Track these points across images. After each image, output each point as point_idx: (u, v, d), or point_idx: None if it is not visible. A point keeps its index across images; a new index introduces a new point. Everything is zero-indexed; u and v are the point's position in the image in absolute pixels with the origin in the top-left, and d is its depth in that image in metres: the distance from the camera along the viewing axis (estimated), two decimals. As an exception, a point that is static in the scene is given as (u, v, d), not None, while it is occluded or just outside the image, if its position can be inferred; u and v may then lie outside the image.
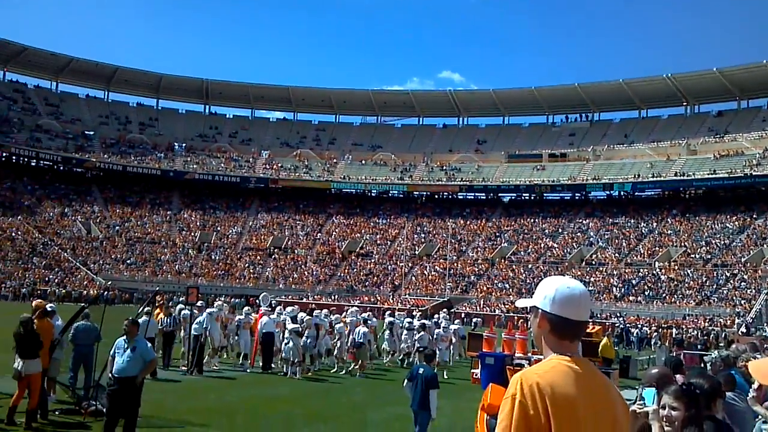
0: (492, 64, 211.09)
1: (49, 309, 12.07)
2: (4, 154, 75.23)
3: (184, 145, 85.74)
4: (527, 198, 78.51)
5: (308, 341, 18.18)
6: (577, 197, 76.13)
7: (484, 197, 79.77)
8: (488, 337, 20.12)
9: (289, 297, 56.64)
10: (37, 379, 10.07)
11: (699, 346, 25.32)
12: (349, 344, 19.69)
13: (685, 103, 78.81)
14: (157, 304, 19.21)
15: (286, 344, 17.56)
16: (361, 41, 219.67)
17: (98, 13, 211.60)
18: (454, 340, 22.32)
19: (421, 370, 9.44)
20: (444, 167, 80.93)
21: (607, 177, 72.04)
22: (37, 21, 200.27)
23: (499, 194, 79.22)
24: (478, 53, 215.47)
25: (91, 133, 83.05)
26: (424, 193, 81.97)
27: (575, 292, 2.52)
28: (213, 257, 71.61)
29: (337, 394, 15.53)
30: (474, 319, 24.68)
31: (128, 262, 67.82)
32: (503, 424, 2.35)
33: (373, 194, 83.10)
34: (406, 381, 9.58)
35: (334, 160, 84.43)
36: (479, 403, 5.50)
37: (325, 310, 21.71)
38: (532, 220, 74.94)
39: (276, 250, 73.18)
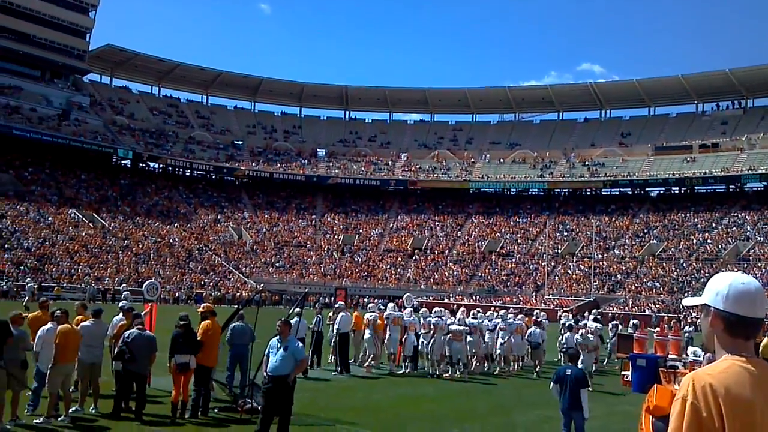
0: (635, 53, 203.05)
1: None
2: (161, 166, 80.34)
3: (326, 150, 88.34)
4: (677, 192, 74.85)
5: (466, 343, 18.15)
6: (731, 189, 71.76)
7: (630, 192, 76.79)
8: (639, 338, 19.34)
9: (431, 298, 56.96)
10: (191, 375, 10.82)
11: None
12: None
13: None
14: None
15: (447, 345, 17.58)
16: (495, 37, 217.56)
17: (243, 27, 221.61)
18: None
19: (568, 371, 9.19)
20: (586, 162, 78.66)
21: (764, 167, 67.35)
22: (186, 39, 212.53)
23: (647, 189, 76.06)
24: (618, 42, 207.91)
25: (240, 142, 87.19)
26: (566, 189, 80.00)
27: (750, 288, 2.37)
28: (356, 259, 73.13)
29: (482, 395, 15.41)
30: (632, 320, 23.48)
31: (277, 265, 70.52)
32: (674, 426, 2.25)
33: (512, 193, 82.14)
34: (552, 384, 9.37)
35: (472, 160, 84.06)
36: (636, 406, 5.28)
37: (496, 312, 21.31)
38: (682, 215, 71.33)
39: (416, 251, 73.76)
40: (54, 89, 75.54)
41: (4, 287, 44.31)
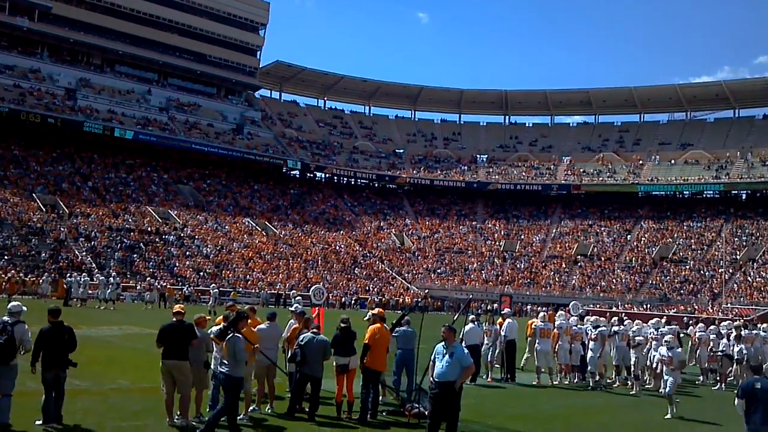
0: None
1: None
2: (327, 175, 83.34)
3: (486, 156, 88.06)
4: None
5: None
6: None
7: (817, 193, 70.55)
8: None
9: (598, 306, 55.13)
10: (353, 375, 11.19)
11: None
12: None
13: None
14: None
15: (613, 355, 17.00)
16: (662, 32, 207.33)
17: (402, 37, 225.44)
18: None
19: (758, 384, 8.57)
20: (766, 162, 73.20)
21: None
22: (348, 51, 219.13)
23: (835, 189, 69.63)
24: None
25: (401, 150, 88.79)
26: (744, 191, 74.76)
27: None
28: (518, 266, 72.18)
29: (654, 408, 14.64)
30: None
31: (438, 271, 70.99)
32: None
33: (685, 195, 77.77)
34: (738, 399, 8.78)
35: (640, 162, 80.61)
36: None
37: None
38: None
39: (581, 258, 71.68)
40: (228, 105, 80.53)
41: (186, 292, 47.51)
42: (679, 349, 14.51)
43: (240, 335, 9.59)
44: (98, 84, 70.42)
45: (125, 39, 72.66)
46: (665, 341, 14.43)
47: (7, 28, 66.81)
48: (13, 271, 42.01)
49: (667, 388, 13.46)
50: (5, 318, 9.28)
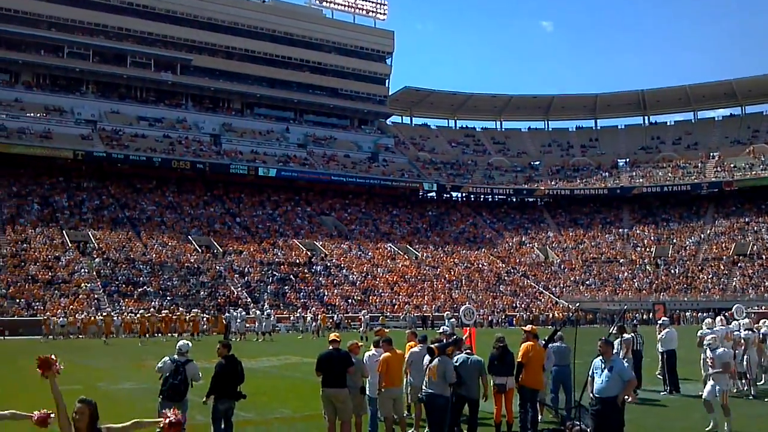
0: None
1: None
2: (464, 194, 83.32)
3: (627, 160, 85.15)
4: None
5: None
6: None
7: None
8: None
9: (763, 308, 51.69)
10: (512, 395, 11.17)
11: None
12: None
13: None
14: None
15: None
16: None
17: (527, 48, 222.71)
18: None
19: None
20: None
21: None
22: (475, 68, 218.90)
23: None
24: None
25: (537, 163, 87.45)
26: None
27: None
28: (672, 271, 68.87)
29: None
30: None
31: (587, 283, 68.98)
32: None
33: None
34: None
35: (796, 151, 75.32)
36: None
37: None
38: None
39: (741, 258, 67.47)
40: (362, 135, 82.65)
41: (336, 320, 48.73)
42: (721, 350, 12.34)
43: (450, 359, 10.02)
44: (240, 127, 74.30)
45: (261, 82, 76.49)
46: (707, 343, 12.61)
47: (153, 83, 72.17)
48: (176, 310, 44.15)
49: (710, 395, 11.58)
50: (176, 357, 9.76)
